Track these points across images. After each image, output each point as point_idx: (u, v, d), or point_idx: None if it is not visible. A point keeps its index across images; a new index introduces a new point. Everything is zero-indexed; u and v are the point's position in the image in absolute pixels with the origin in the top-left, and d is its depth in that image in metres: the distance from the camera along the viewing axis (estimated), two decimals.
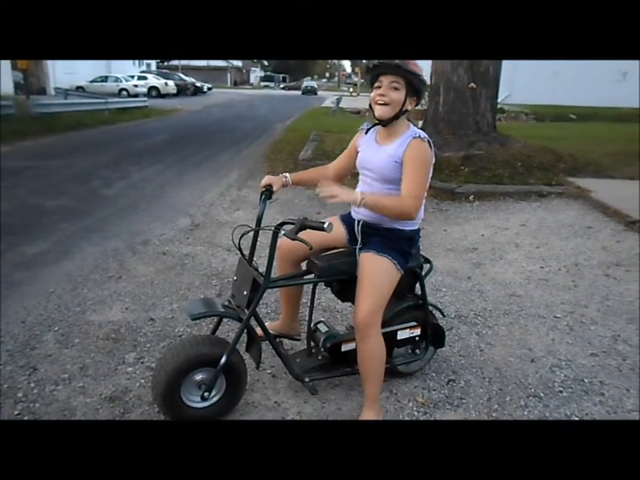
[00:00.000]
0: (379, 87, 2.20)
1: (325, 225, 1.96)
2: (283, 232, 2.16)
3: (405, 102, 2.21)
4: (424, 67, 2.26)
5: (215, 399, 2.32)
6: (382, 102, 2.20)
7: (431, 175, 2.32)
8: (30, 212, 5.58)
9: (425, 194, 2.36)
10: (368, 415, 2.32)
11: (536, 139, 9.75)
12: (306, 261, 2.52)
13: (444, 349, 2.88)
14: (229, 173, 8.15)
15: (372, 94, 2.25)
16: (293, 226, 2.12)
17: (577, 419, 2.48)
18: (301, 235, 2.10)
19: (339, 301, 3.10)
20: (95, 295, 3.61)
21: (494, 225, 5.63)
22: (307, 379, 2.44)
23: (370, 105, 2.30)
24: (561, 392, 2.68)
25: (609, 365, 2.94)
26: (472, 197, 6.65)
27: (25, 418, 2.35)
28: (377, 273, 2.26)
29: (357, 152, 2.46)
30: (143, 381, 2.65)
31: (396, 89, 2.18)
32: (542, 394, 2.66)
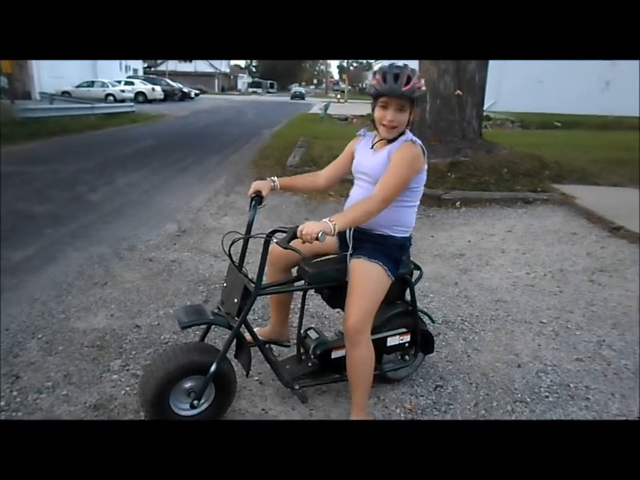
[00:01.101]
0: (385, 107, 2.19)
1: (319, 235, 1.95)
2: (274, 240, 2.15)
3: (410, 118, 2.23)
4: None
5: (204, 406, 2.30)
6: (390, 126, 2.21)
7: (424, 182, 2.34)
8: (14, 217, 5.51)
9: (418, 201, 2.38)
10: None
11: (522, 146, 9.86)
12: (296, 267, 2.51)
13: (431, 354, 2.88)
14: (217, 178, 8.12)
15: (377, 114, 2.22)
16: (284, 234, 2.11)
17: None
18: (293, 243, 2.09)
19: (327, 307, 3.10)
20: (79, 302, 3.57)
21: (480, 231, 5.67)
22: (296, 387, 2.43)
23: (373, 121, 2.28)
24: (547, 397, 2.70)
25: (594, 369, 2.97)
26: (458, 203, 6.70)
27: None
28: (368, 279, 2.26)
29: (353, 157, 2.46)
30: (128, 388, 2.62)
31: (402, 110, 2.19)
32: (528, 399, 2.67)
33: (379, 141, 2.33)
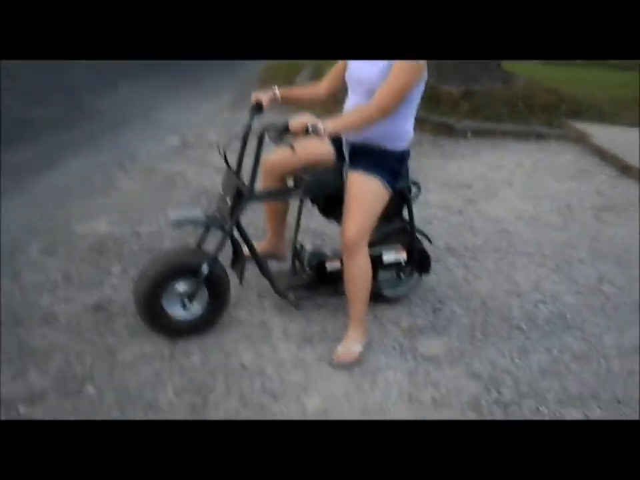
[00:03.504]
0: None
1: (309, 126, 1.92)
2: (267, 135, 2.10)
3: None
4: None
5: (198, 311, 2.32)
6: None
7: (422, 92, 2.25)
8: (12, 120, 5.37)
9: (415, 111, 2.29)
10: (353, 335, 2.34)
11: (540, 80, 9.47)
12: (292, 178, 2.46)
13: (431, 279, 2.88)
14: (223, 93, 7.87)
15: None
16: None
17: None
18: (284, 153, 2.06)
19: (326, 224, 3.07)
20: (80, 207, 3.53)
21: (490, 162, 5.54)
22: (290, 295, 2.44)
23: None
24: (543, 326, 2.71)
25: (592, 303, 2.97)
26: (469, 134, 6.51)
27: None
28: (366, 192, 2.22)
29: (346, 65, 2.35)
30: (128, 292, 2.63)
31: None
32: (525, 326, 2.69)
33: None
